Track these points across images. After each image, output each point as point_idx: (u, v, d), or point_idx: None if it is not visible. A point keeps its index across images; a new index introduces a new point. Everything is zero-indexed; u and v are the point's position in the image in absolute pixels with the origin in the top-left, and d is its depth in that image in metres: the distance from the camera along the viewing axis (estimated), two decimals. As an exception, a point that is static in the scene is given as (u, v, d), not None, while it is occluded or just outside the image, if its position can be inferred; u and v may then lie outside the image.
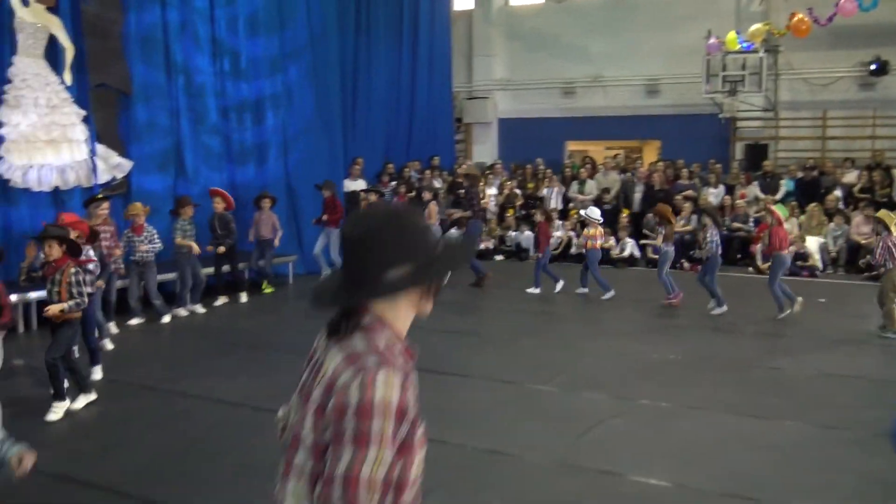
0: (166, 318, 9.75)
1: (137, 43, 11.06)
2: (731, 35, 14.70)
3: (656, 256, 11.94)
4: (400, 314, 1.85)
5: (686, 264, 13.70)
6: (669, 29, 16.74)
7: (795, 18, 13.29)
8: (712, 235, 10.14)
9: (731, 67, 15.40)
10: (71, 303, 6.16)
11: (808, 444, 5.63)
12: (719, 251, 10.32)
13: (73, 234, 6.66)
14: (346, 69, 14.97)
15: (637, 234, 15.07)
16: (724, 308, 10.06)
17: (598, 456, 5.37)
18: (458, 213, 13.15)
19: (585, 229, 11.67)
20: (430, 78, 17.53)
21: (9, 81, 9.70)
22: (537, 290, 11.58)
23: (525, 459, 5.32)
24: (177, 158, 11.80)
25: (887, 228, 8.94)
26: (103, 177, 10.64)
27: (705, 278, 10.30)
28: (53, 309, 6.16)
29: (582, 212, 12.63)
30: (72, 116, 10.28)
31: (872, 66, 15.26)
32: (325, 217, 12.14)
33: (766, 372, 7.51)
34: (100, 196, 9.13)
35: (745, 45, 14.75)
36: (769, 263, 10.27)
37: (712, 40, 15.26)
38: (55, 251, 6.23)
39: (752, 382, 7.17)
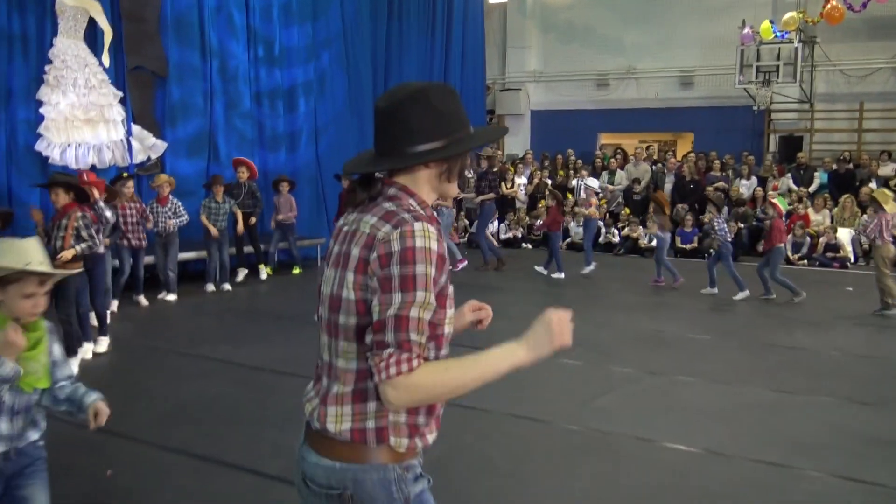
0: (171, 297, 9.71)
1: (173, 25, 11.34)
2: (766, 24, 14.58)
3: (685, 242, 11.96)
4: (422, 190, 1.91)
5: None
6: (704, 20, 16.65)
7: (829, 6, 13.14)
8: (719, 224, 10.22)
9: (766, 58, 15.28)
10: (83, 245, 6.20)
11: (826, 414, 5.62)
12: (728, 238, 10.40)
13: (96, 194, 6.83)
14: (377, 58, 15.10)
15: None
16: (747, 293, 10.03)
17: (621, 422, 5.40)
18: (481, 198, 13.16)
19: (594, 198, 11.88)
20: (462, 69, 17.59)
21: (49, 62, 10.04)
22: (562, 275, 11.65)
23: (545, 422, 5.40)
24: (210, 142, 12.05)
25: (882, 207, 8.97)
26: (138, 157, 10.95)
27: (715, 265, 10.39)
28: (66, 254, 6.12)
29: (582, 182, 12.89)
30: (109, 97, 10.58)
31: (911, 58, 15.03)
32: (342, 209, 12.24)
33: (785, 351, 7.49)
34: (125, 175, 9.39)
35: (779, 34, 14.60)
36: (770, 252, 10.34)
37: (746, 30, 15.14)
38: (62, 198, 6.27)
39: (771, 359, 7.17)
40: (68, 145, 10.16)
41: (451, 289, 1.85)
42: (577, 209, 12.20)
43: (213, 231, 10.24)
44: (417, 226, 1.76)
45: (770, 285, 9.99)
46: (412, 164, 1.88)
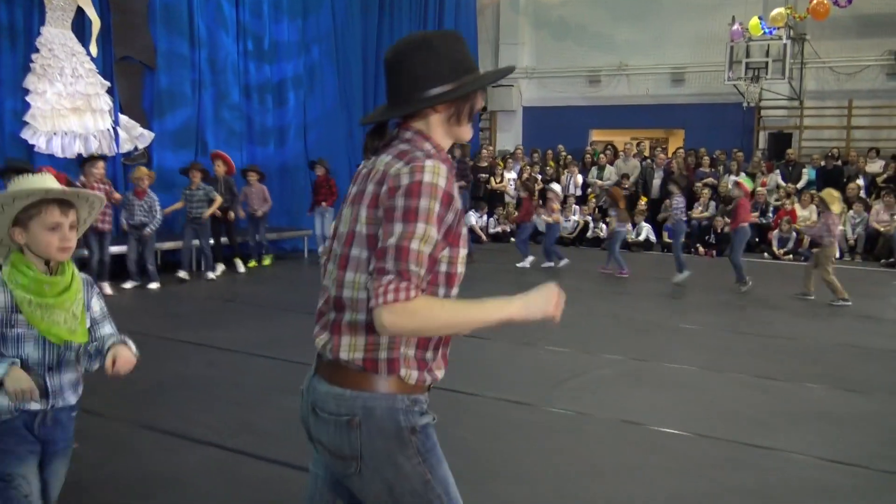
0: (154, 285, 9.63)
1: (162, 15, 11.37)
2: (754, 21, 14.65)
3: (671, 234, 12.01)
4: (436, 133, 1.97)
5: (701, 249, 13.70)
6: (696, 17, 16.71)
7: (815, 1, 13.20)
8: (678, 203, 10.39)
9: (755, 54, 15.34)
10: None
11: (808, 399, 5.65)
12: (683, 217, 10.71)
13: None
14: (368, 54, 15.13)
15: (654, 220, 15.06)
16: (686, 274, 10.32)
17: (598, 404, 5.42)
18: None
19: (556, 203, 12.08)
20: (454, 65, 17.58)
21: (37, 51, 10.09)
22: (551, 264, 11.80)
23: (523, 404, 5.44)
24: (197, 135, 12.04)
25: (828, 207, 9.07)
26: (125, 146, 10.99)
27: (680, 247, 10.60)
28: None
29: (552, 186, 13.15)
30: (96, 86, 10.63)
31: (900, 55, 15.09)
32: (317, 199, 12.16)
33: (766, 339, 7.55)
34: (96, 155, 9.38)
35: (767, 30, 14.67)
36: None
37: (736, 27, 15.21)
38: None
39: (752, 346, 7.22)
40: (54, 134, 10.21)
41: (464, 229, 1.91)
42: (540, 214, 12.28)
43: (174, 207, 10.18)
44: (429, 163, 1.81)
45: (744, 273, 10.06)
46: (421, 108, 1.93)
